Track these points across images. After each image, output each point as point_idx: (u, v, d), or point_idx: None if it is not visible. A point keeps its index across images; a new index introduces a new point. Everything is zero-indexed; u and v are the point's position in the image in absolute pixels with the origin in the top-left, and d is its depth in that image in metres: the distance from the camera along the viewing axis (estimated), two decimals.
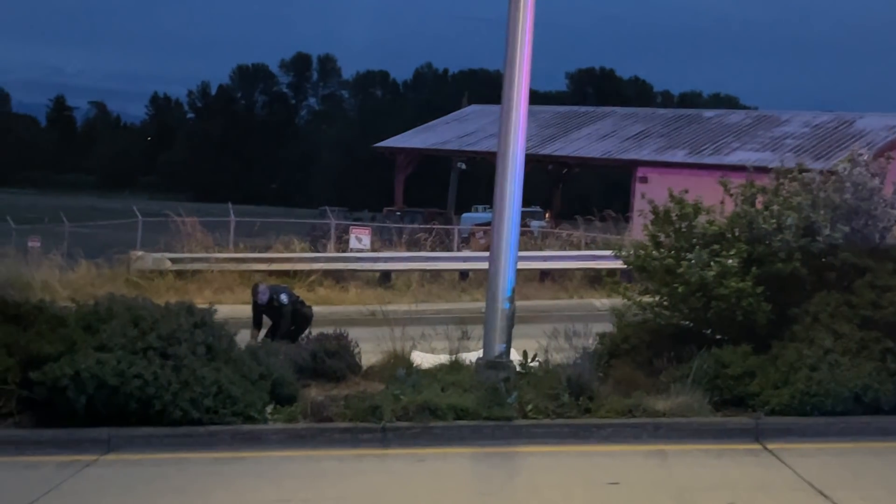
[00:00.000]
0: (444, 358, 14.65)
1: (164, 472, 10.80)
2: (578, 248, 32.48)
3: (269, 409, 12.27)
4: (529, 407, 12.19)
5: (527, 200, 14.89)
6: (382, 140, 56.73)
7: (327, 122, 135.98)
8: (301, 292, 21.56)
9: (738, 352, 13.04)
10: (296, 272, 27.98)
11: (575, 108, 57.01)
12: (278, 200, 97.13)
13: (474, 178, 58.95)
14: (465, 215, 52.95)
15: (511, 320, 13.78)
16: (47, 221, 44.91)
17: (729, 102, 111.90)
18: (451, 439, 11.72)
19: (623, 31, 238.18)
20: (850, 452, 11.52)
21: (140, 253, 29.01)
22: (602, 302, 23.13)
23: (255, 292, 17.37)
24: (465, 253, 31.99)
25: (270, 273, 27.37)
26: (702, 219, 14.15)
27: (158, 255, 28.95)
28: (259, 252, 30.38)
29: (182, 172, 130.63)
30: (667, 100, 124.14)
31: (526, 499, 9.96)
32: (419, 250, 31.76)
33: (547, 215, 52.38)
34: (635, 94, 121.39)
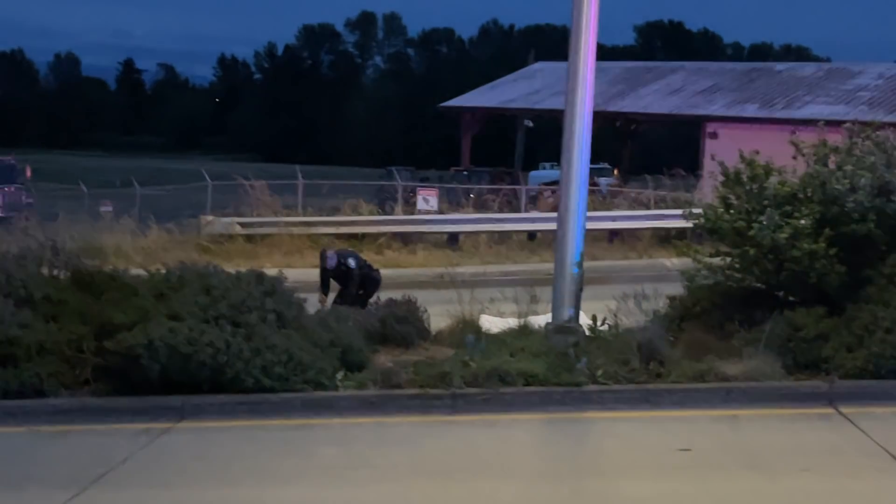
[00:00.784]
0: (512, 322, 14.61)
1: (237, 439, 10.93)
2: (647, 208, 32.24)
3: (339, 375, 12.32)
4: (599, 372, 12.12)
5: (595, 157, 14.72)
6: (447, 98, 56.60)
7: (393, 81, 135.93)
8: (369, 255, 21.69)
9: (811, 314, 12.81)
10: (364, 235, 28.11)
11: (643, 63, 56.49)
12: (345, 160, 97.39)
13: (541, 136, 58.59)
14: (532, 173, 52.78)
15: (580, 284, 13.69)
16: (118, 185, 45.59)
17: (800, 54, 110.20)
18: (520, 405, 11.70)
19: None
20: None
21: (210, 218, 29.36)
22: (672, 262, 22.94)
23: (322, 257, 17.46)
24: (533, 214, 31.88)
25: (338, 236, 27.55)
26: (773, 180, 13.90)
27: (228, 219, 29.27)
28: (327, 215, 30.54)
29: (249, 133, 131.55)
30: (737, 52, 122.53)
31: (596, 465, 9.94)
32: (486, 211, 31.73)
33: (615, 172, 52.01)
34: (705, 46, 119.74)
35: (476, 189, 37.03)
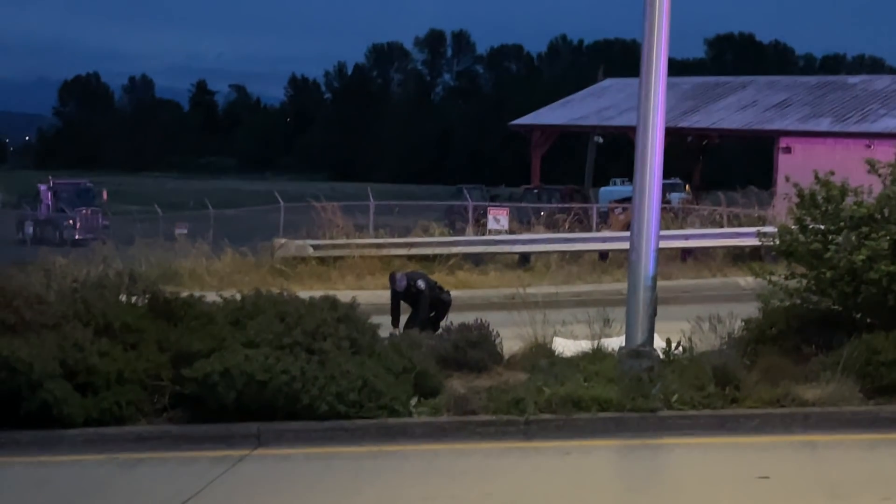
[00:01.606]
0: (585, 345, 14.52)
1: (313, 467, 11.01)
2: (720, 226, 31.92)
3: (413, 402, 12.35)
4: (674, 397, 12.00)
5: (666, 172, 14.59)
6: (516, 114, 56.56)
7: (463, 99, 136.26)
8: (441, 276, 21.74)
9: (890, 337, 12.57)
10: (435, 256, 28.17)
11: (714, 78, 55.89)
12: (415, 178, 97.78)
13: (611, 152, 58.39)
14: (602, 189, 52.55)
15: (653, 307, 13.57)
16: (192, 206, 46.23)
17: (874, 65, 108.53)
18: (594, 431, 11.64)
19: None
20: None
21: (283, 240, 29.63)
22: (746, 280, 22.59)
23: (392, 280, 17.53)
24: (605, 234, 31.72)
25: (410, 258, 27.61)
26: (849, 200, 13.69)
27: (301, 242, 29.51)
28: (398, 237, 30.67)
29: (320, 152, 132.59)
30: (808, 63, 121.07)
31: (673, 496, 9.85)
32: (557, 231, 31.63)
33: (686, 188, 51.58)
34: (776, 58, 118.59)
35: (546, 208, 36.95)
